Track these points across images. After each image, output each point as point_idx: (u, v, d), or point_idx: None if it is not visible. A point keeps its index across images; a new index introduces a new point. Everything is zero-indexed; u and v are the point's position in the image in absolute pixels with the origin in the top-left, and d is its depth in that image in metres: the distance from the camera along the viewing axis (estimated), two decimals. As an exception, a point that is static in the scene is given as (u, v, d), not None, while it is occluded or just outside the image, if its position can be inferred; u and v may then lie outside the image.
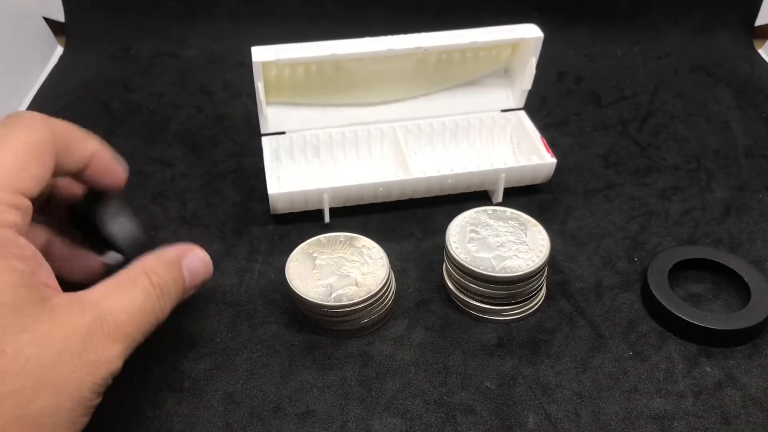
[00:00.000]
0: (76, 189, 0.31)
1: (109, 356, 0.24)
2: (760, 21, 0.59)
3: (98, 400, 0.24)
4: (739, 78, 0.55)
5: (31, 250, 0.24)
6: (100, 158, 0.29)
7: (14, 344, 0.21)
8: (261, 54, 0.38)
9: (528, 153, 0.43)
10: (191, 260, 0.30)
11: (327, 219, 0.40)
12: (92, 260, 0.31)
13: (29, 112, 0.27)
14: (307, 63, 0.40)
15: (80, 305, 0.24)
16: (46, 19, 0.58)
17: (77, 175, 0.29)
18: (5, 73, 0.51)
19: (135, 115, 0.50)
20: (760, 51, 0.59)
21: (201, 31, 0.59)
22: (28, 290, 0.23)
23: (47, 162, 0.26)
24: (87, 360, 0.23)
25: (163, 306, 0.27)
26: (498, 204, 0.41)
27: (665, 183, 0.44)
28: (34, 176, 0.25)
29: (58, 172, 0.27)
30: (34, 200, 0.26)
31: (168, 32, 0.59)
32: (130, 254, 0.29)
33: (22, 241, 0.24)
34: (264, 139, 0.42)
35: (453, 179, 0.39)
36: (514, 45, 0.43)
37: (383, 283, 0.33)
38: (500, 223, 0.35)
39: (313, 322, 0.33)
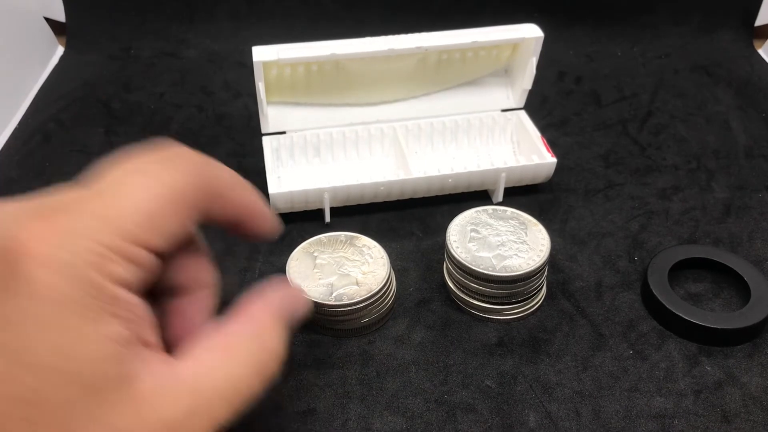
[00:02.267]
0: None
1: None
2: (760, 21, 0.59)
3: None
4: (739, 78, 0.55)
5: (140, 310, 0.20)
6: (254, 211, 0.25)
7: None
8: (262, 54, 0.38)
9: (528, 153, 0.43)
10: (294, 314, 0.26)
11: (327, 218, 0.40)
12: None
13: (183, 148, 0.22)
14: (307, 63, 0.40)
15: (174, 391, 0.20)
16: (47, 19, 0.58)
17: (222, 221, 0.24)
18: (6, 73, 0.51)
19: (135, 115, 0.50)
20: (760, 51, 0.59)
21: (201, 31, 0.59)
22: (115, 366, 0.19)
23: (187, 215, 0.21)
24: None
25: (262, 385, 0.22)
26: (498, 203, 0.41)
27: (665, 183, 0.44)
28: (165, 231, 0.21)
29: (202, 222, 0.23)
30: (163, 255, 0.21)
31: (168, 32, 0.59)
32: None
33: (129, 297, 0.20)
34: (265, 139, 0.42)
35: (453, 179, 0.40)
36: (515, 45, 0.43)
37: (384, 282, 0.33)
38: (501, 222, 0.35)
39: (314, 321, 0.33)
